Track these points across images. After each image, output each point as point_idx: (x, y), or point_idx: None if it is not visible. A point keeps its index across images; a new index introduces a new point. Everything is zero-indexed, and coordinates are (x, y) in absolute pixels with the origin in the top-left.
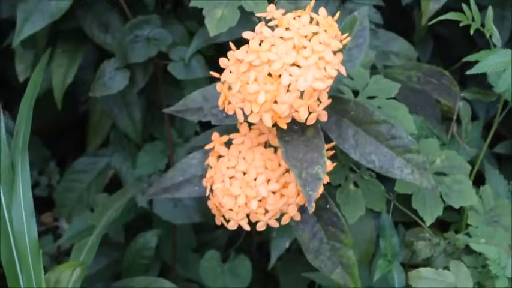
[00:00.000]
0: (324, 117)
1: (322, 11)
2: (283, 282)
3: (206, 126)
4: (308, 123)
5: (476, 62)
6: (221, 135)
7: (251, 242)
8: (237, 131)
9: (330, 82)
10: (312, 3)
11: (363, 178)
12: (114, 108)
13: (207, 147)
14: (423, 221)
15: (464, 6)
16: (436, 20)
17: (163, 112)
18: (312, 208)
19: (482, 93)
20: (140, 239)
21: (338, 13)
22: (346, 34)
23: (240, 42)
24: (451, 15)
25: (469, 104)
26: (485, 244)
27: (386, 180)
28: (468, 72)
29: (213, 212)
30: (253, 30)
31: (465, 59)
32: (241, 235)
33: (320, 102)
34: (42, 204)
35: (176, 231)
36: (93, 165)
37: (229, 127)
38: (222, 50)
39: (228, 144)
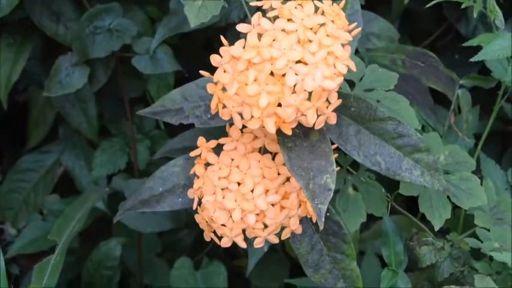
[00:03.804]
0: (333, 119)
1: None
2: (255, 284)
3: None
4: (316, 127)
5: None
6: (205, 138)
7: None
8: (223, 133)
9: (341, 80)
10: None
11: (362, 180)
12: (65, 103)
13: (192, 154)
14: (425, 224)
15: None
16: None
17: (121, 106)
18: (322, 223)
19: (482, 79)
20: (102, 248)
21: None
22: (355, 24)
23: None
24: None
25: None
26: (503, 250)
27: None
28: (473, 59)
29: (201, 227)
30: (224, 17)
31: (466, 43)
32: None
33: (329, 103)
34: None
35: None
36: (40, 163)
37: (212, 129)
38: (187, 38)
39: (217, 149)
